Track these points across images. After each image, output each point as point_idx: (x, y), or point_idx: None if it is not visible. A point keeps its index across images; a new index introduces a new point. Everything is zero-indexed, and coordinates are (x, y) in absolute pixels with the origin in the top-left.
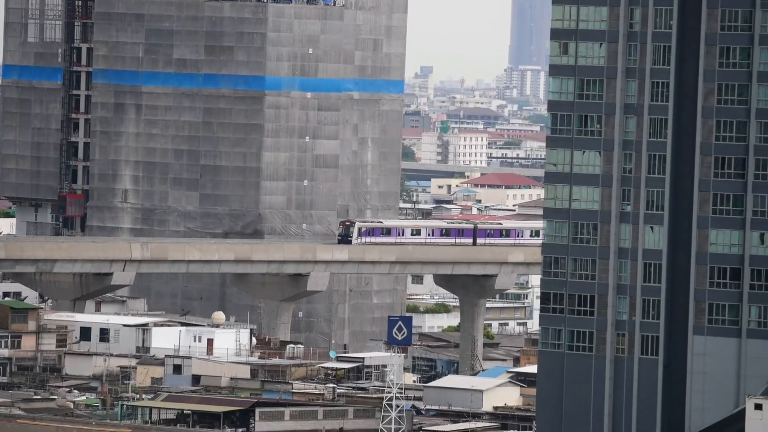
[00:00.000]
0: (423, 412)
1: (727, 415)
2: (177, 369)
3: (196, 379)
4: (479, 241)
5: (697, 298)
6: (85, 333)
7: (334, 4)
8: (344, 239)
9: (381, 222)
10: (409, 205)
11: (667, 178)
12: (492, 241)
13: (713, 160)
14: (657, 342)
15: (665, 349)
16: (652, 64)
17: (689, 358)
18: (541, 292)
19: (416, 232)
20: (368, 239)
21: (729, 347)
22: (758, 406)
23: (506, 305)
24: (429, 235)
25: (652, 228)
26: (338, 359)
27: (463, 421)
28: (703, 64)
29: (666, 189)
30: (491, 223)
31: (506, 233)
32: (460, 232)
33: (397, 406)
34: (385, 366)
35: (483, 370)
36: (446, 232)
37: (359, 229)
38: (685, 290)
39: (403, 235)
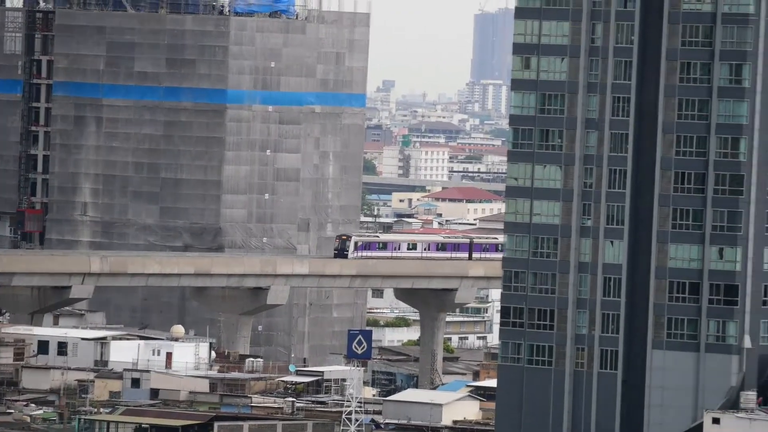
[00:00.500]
0: (382, 425)
1: (685, 429)
2: (135, 383)
3: (154, 392)
4: (475, 255)
5: (656, 313)
6: (43, 346)
7: (297, 17)
8: (340, 253)
9: (377, 236)
10: (370, 219)
11: (628, 192)
12: (488, 255)
13: (673, 174)
14: (616, 356)
15: (624, 363)
16: (613, 79)
17: (648, 372)
18: (502, 306)
19: (412, 246)
20: (364, 253)
21: (687, 361)
22: (716, 421)
23: (466, 319)
24: (425, 249)
25: (612, 242)
26: (298, 373)
27: None
28: (663, 79)
29: (626, 203)
30: (487, 238)
31: (502, 248)
32: (456, 247)
33: (357, 420)
34: (344, 380)
35: (442, 384)
36: (442, 247)
37: (356, 243)
38: (644, 304)
39: (399, 249)
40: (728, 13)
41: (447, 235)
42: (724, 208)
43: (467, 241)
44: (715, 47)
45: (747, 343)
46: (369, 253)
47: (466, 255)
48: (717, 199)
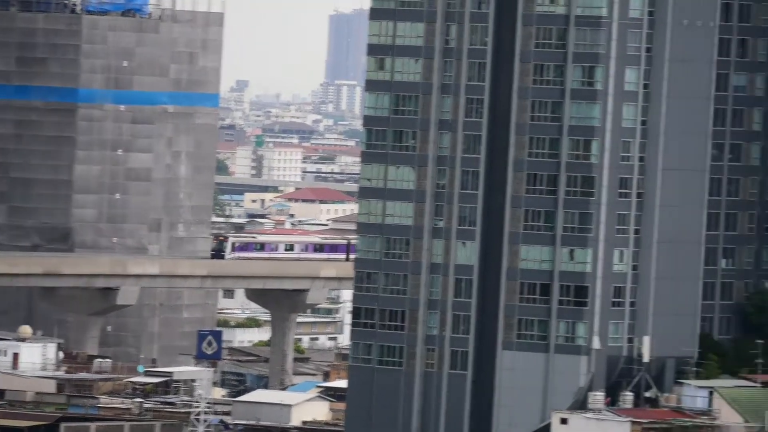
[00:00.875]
0: (231, 426)
1: (534, 429)
2: None
3: (0, 393)
4: (352, 256)
5: (506, 314)
6: None
7: (150, 16)
8: (217, 254)
9: (254, 237)
10: (222, 219)
11: (480, 194)
12: None
13: (525, 176)
14: (466, 357)
15: (474, 364)
16: (467, 80)
17: (497, 372)
18: (353, 307)
19: (290, 247)
20: (241, 254)
21: (537, 362)
22: (564, 421)
23: (317, 320)
24: (302, 250)
25: (464, 243)
26: (146, 373)
27: None
28: (517, 81)
29: (478, 205)
30: None
31: None
32: (334, 248)
33: (205, 421)
34: (194, 380)
35: (292, 385)
36: (320, 248)
37: (233, 244)
38: (495, 305)
39: (276, 250)
40: (581, 15)
41: (325, 236)
42: (576, 210)
43: (345, 242)
44: (568, 49)
45: (596, 344)
46: (246, 254)
47: (344, 256)
48: (568, 201)
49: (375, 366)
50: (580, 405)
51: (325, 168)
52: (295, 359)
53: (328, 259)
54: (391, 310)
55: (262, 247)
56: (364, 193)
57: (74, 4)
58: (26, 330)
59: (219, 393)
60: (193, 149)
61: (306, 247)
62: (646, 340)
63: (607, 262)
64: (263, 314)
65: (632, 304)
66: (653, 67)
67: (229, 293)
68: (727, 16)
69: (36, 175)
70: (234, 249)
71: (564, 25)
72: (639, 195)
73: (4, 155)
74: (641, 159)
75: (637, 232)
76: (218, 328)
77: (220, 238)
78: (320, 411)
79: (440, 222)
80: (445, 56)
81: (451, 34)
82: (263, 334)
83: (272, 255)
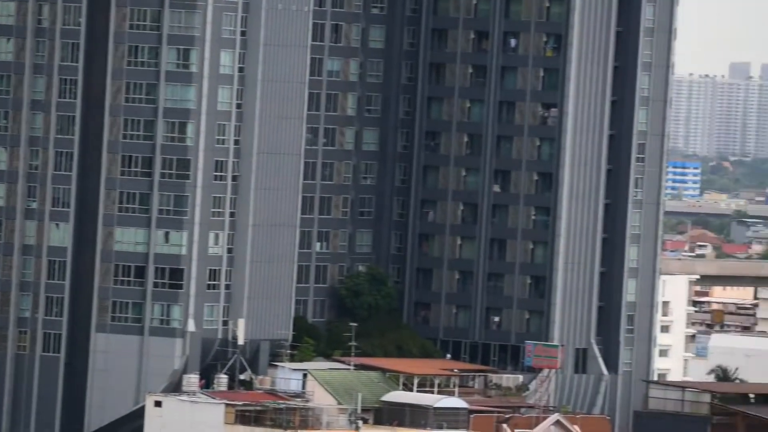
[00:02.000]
0: None
1: (127, 412)
2: None
3: None
4: None
5: (100, 296)
6: None
7: None
8: None
9: None
10: None
11: (74, 175)
12: None
13: (120, 158)
14: (59, 339)
15: (67, 347)
16: (60, 60)
17: (91, 355)
18: None
19: None
20: None
21: (131, 345)
22: (158, 404)
23: None
24: None
25: (57, 225)
26: None
27: None
28: (111, 62)
29: (72, 186)
30: None
31: None
32: None
33: None
34: None
35: None
36: None
37: None
38: (89, 288)
39: None
40: None
41: None
42: (171, 192)
43: None
44: (163, 31)
45: (191, 326)
46: None
47: None
48: (164, 183)
49: None
50: (175, 387)
51: None
52: None
53: None
54: None
55: None
56: None
57: None
58: None
59: None
60: None
61: None
62: (241, 323)
63: (202, 244)
64: None
65: (227, 286)
66: (248, 50)
67: None
68: (321, 2)
69: None
70: None
71: (159, 7)
72: (234, 178)
73: None
74: (236, 142)
75: (232, 215)
76: None
77: None
78: None
79: (33, 203)
80: (37, 36)
81: (44, 13)
82: None
83: None
